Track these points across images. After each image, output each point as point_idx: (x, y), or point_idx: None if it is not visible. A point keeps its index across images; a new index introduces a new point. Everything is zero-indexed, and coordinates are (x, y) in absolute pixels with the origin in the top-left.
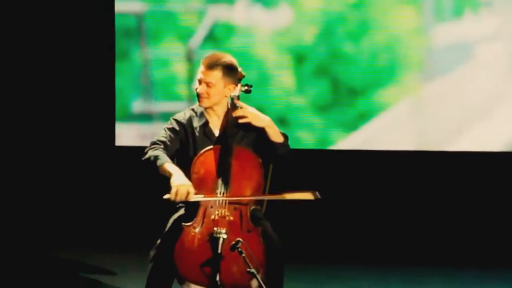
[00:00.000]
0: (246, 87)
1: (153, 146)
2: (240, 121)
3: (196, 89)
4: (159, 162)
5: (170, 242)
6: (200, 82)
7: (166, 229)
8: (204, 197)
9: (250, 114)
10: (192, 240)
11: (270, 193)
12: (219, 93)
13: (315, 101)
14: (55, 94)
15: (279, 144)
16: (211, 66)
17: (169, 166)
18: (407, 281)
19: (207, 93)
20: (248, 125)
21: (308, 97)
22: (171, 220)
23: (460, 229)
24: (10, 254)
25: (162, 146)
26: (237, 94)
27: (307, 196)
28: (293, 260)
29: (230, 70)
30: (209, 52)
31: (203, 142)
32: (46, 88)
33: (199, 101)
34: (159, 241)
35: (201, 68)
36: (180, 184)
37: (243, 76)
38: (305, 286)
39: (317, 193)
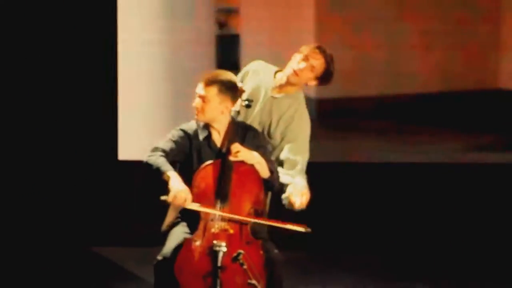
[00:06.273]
0: (246, 102)
1: (154, 153)
2: (232, 158)
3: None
4: (162, 169)
5: (171, 260)
6: (198, 97)
7: (168, 242)
8: (199, 206)
9: (244, 151)
10: (193, 253)
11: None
12: (214, 109)
13: None
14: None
15: (266, 179)
16: (208, 82)
17: (170, 173)
18: None
19: (202, 108)
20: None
21: None
22: (172, 234)
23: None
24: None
25: (163, 154)
26: (237, 110)
27: (298, 227)
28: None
29: (226, 88)
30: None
31: (207, 155)
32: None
33: (195, 114)
34: (161, 254)
35: (200, 84)
36: (179, 189)
37: (244, 91)
38: None
39: (307, 227)
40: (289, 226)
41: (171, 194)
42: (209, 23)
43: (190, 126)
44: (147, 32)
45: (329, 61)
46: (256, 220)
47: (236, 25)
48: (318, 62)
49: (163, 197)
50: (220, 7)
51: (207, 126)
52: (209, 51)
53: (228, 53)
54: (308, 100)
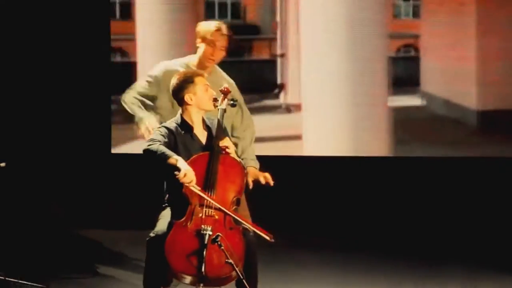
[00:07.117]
0: (232, 102)
1: (154, 142)
2: (221, 144)
3: None
4: (167, 154)
5: (162, 237)
6: None
7: (160, 222)
8: (199, 190)
9: (232, 147)
10: (182, 234)
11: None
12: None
13: None
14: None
15: None
16: None
17: (177, 156)
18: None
19: None
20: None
21: None
22: (161, 218)
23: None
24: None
25: (161, 143)
26: (223, 108)
27: (266, 236)
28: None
29: (172, 86)
30: None
31: (192, 146)
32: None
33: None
34: (154, 232)
35: None
36: (189, 169)
37: (230, 92)
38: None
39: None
40: (258, 230)
41: (182, 171)
42: (384, 45)
43: (170, 123)
44: (329, 45)
45: (228, 33)
46: (237, 218)
47: (417, 47)
48: (222, 40)
49: (176, 172)
50: (403, 32)
51: (184, 121)
52: (383, 69)
53: (410, 72)
54: (470, 112)
